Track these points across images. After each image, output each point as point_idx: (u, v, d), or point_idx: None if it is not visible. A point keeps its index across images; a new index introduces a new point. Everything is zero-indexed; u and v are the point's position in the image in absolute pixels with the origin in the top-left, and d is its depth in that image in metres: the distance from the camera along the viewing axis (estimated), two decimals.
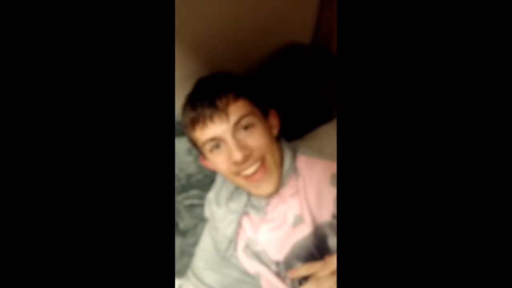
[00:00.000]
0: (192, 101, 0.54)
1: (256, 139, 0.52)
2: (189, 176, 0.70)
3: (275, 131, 0.58)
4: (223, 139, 0.51)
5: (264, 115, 0.56)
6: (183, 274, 0.69)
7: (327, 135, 0.62)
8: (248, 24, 0.62)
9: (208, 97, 0.51)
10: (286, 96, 0.68)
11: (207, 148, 0.53)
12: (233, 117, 0.50)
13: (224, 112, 0.50)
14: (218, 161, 0.53)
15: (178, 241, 0.71)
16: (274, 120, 0.59)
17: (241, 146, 0.50)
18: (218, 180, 0.66)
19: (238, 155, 0.50)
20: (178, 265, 0.71)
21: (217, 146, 0.52)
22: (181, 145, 0.70)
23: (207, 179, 0.71)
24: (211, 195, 0.65)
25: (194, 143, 0.57)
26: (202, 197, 0.70)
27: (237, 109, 0.51)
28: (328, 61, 0.69)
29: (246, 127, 0.52)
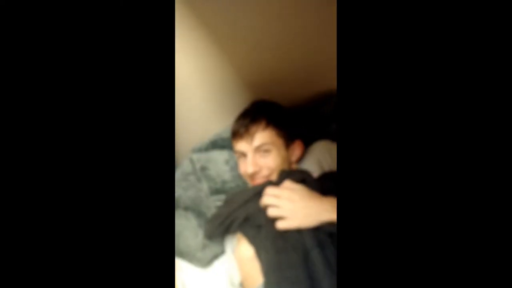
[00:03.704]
0: (238, 118, 0.75)
1: (268, 161, 0.70)
2: (223, 182, 0.85)
3: (294, 158, 0.75)
4: (246, 154, 0.71)
5: (287, 143, 0.73)
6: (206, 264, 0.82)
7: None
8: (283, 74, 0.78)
9: (246, 120, 0.71)
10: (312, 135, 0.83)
11: (237, 155, 0.75)
12: (256, 142, 0.70)
13: (251, 136, 0.70)
14: (241, 166, 0.75)
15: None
16: (297, 149, 0.76)
17: (255, 163, 0.69)
18: None
19: (250, 169, 0.69)
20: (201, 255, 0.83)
21: (243, 155, 0.72)
22: (221, 156, 0.85)
23: (238, 188, 0.85)
24: None
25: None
26: None
27: (261, 137, 0.70)
28: None
29: (265, 151, 0.70)
